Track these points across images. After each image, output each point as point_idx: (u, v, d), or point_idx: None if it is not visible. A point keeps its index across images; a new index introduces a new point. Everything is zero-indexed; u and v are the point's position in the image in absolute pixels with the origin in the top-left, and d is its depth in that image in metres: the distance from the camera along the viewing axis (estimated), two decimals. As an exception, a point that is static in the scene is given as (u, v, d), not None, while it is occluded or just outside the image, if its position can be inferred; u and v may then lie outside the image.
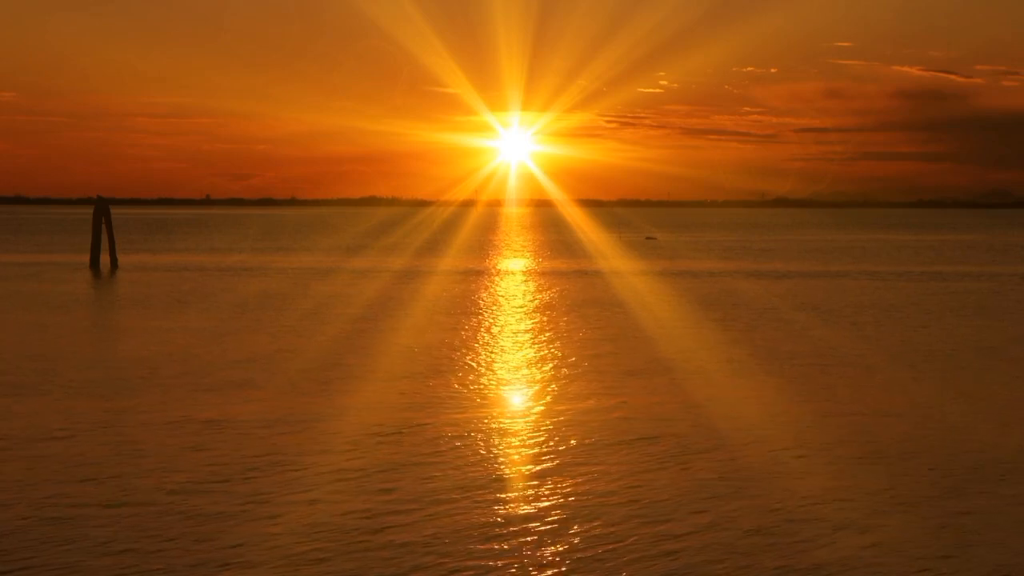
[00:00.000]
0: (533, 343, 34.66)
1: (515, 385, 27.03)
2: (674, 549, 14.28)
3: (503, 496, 16.77)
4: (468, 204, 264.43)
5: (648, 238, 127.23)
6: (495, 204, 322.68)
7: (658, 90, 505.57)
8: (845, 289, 57.28)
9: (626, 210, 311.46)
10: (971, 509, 16.25)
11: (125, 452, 19.54)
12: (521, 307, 46.67)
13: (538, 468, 18.54)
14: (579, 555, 14.06)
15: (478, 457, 19.26)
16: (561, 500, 16.55)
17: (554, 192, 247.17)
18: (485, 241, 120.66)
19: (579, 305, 47.09)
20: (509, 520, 15.49)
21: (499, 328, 38.71)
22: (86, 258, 75.58)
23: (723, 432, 21.32)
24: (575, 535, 14.85)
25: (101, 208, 73.76)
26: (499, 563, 13.75)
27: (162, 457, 19.14)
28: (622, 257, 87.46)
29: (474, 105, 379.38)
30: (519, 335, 36.70)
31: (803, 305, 47.75)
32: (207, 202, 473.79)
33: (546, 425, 21.99)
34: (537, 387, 26.59)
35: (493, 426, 21.92)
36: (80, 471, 18.13)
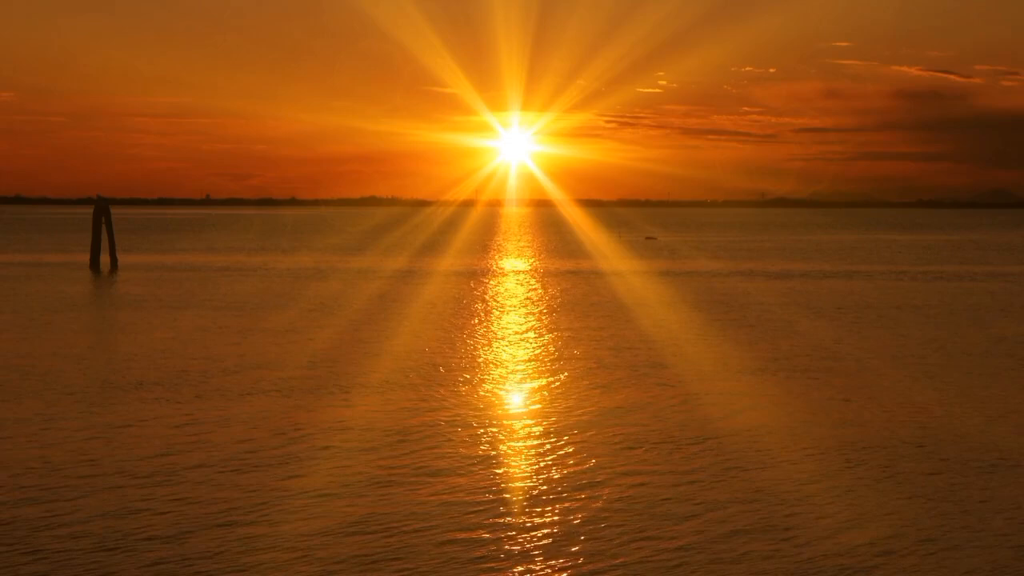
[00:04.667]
0: (532, 343, 34.69)
1: (514, 385, 27.06)
2: (672, 547, 14.33)
3: (502, 495, 16.81)
4: (468, 204, 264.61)
5: (648, 238, 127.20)
6: (495, 204, 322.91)
7: (657, 90, 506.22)
8: (846, 289, 57.30)
9: (626, 210, 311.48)
10: (974, 509, 16.31)
11: (126, 451, 19.58)
12: (521, 307, 46.70)
13: (537, 467, 18.58)
14: (578, 555, 14.11)
15: (478, 458, 19.30)
16: (560, 500, 16.59)
17: (554, 192, 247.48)
18: (485, 241, 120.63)
19: (579, 305, 47.12)
20: (508, 516, 15.54)
21: (498, 328, 38.75)
22: (86, 258, 75.58)
23: (723, 432, 21.36)
24: (574, 535, 14.90)
25: (101, 208, 73.78)
26: (498, 559, 13.81)
27: (162, 457, 19.17)
28: (622, 257, 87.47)
29: (474, 105, 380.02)
30: (518, 335, 36.73)
31: (803, 305, 47.77)
32: (207, 202, 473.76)
33: (545, 424, 22.03)
34: (536, 387, 26.62)
35: (492, 426, 21.96)
36: (81, 470, 18.18)
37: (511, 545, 14.45)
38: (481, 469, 18.44)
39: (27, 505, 16.17)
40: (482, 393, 25.73)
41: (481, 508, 16.11)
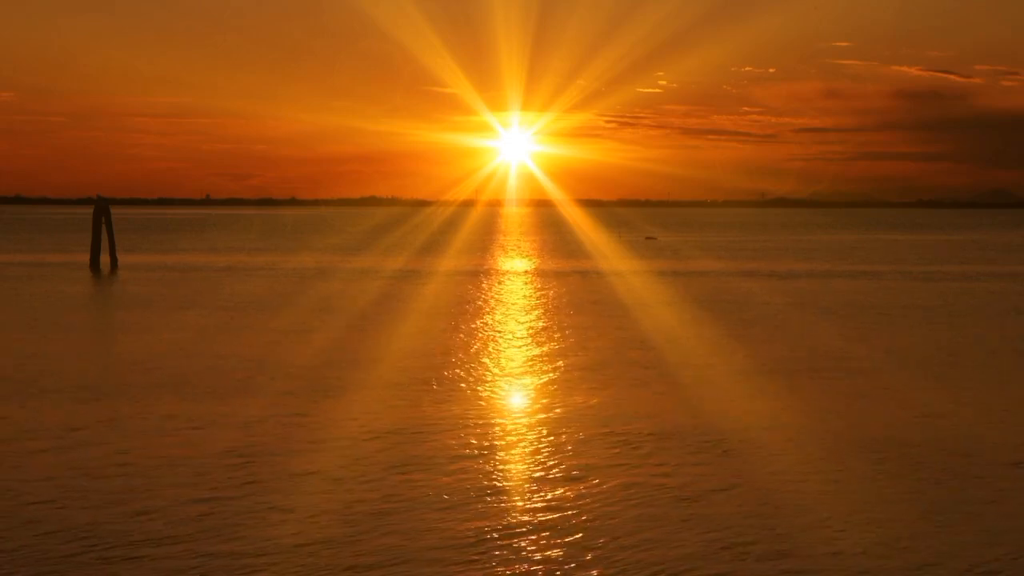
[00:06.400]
0: (532, 343, 34.64)
1: (514, 386, 27.01)
2: (672, 550, 14.27)
3: (502, 496, 16.76)
4: (468, 204, 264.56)
5: (648, 238, 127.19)
6: (495, 204, 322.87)
7: (657, 90, 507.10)
8: (850, 289, 57.27)
9: (626, 210, 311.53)
10: (978, 510, 16.25)
11: (126, 452, 19.53)
12: (521, 308, 46.66)
13: (537, 468, 18.52)
14: (578, 556, 14.05)
15: (477, 458, 19.25)
16: (560, 503, 16.54)
17: (554, 192, 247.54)
18: (485, 241, 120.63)
19: (579, 305, 47.07)
20: (508, 518, 15.49)
21: (498, 329, 38.70)
22: (86, 258, 75.55)
23: (724, 434, 21.30)
24: (573, 537, 14.84)
25: (101, 208, 73.73)
26: (498, 561, 13.75)
27: (162, 457, 19.12)
28: (622, 257, 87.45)
29: (474, 105, 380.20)
30: (518, 335, 36.68)
31: (807, 305, 47.74)
32: (207, 202, 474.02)
33: (546, 426, 21.97)
34: (537, 388, 26.56)
35: (492, 428, 21.90)
36: (80, 472, 18.13)
37: (511, 545, 14.39)
38: (481, 468, 18.38)
39: (24, 514, 16.12)
40: (483, 393, 25.67)
41: (482, 507, 16.05)
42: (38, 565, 13.58)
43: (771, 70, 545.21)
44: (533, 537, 14.78)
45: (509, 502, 16.47)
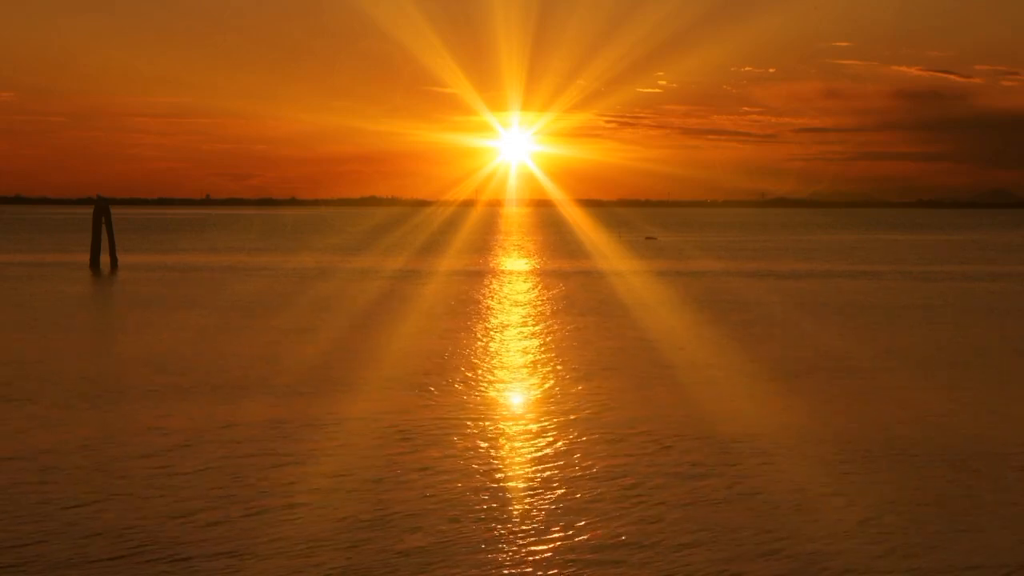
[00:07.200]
0: (532, 343, 34.62)
1: (514, 385, 27.00)
2: (672, 549, 14.26)
3: (503, 497, 16.75)
4: (468, 204, 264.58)
5: (648, 238, 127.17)
6: (495, 204, 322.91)
7: (657, 90, 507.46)
8: (851, 289, 57.26)
9: (626, 210, 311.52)
10: (981, 510, 16.24)
11: (126, 452, 19.52)
12: (521, 307, 46.64)
13: (536, 468, 18.51)
14: (577, 556, 14.04)
15: (477, 459, 19.24)
16: (560, 502, 16.53)
17: (554, 192, 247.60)
18: (485, 241, 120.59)
19: (579, 306, 47.06)
20: (508, 520, 15.48)
21: (499, 328, 38.68)
22: (86, 258, 75.53)
23: (726, 434, 21.29)
24: (574, 536, 14.83)
25: (101, 208, 73.71)
26: (498, 563, 13.74)
27: (162, 458, 19.11)
28: (622, 257, 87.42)
29: (474, 105, 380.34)
30: (518, 335, 36.67)
31: (808, 304, 47.73)
32: (207, 202, 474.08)
33: (547, 427, 21.95)
34: (536, 387, 26.55)
35: (493, 428, 21.89)
36: (81, 473, 18.12)
37: (510, 545, 14.38)
38: (481, 469, 18.38)
39: (26, 516, 16.10)
40: (483, 393, 25.66)
41: (482, 508, 16.04)
42: (68, 568, 13.59)
43: (771, 70, 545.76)
44: (534, 537, 14.77)
45: (509, 499, 16.45)
